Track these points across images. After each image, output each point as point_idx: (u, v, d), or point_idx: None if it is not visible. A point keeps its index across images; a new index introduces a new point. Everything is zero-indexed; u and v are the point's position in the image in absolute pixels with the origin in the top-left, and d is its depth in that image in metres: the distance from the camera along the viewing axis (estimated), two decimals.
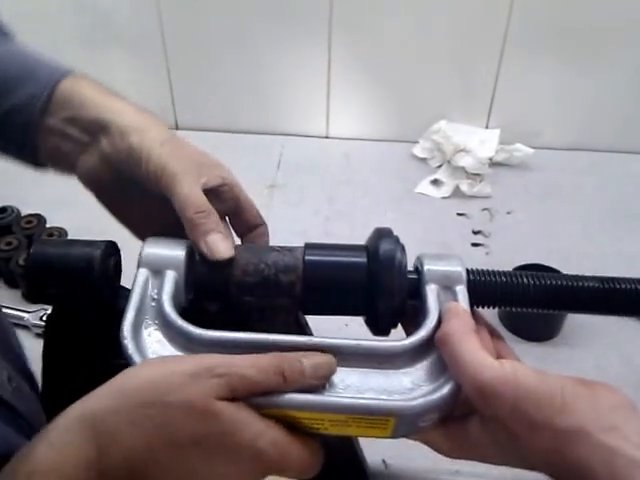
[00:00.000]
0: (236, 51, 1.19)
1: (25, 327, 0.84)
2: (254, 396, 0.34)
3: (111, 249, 0.44)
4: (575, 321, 0.87)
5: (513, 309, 0.44)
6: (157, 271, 0.41)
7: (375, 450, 0.67)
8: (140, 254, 0.42)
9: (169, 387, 0.32)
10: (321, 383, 0.36)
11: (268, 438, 0.34)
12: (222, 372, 0.33)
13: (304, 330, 0.48)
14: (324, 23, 1.13)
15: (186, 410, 0.32)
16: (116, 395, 0.33)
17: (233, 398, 0.33)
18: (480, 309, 0.43)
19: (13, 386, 0.42)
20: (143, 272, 0.41)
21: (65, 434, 0.32)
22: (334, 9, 1.11)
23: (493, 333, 0.42)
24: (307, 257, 0.42)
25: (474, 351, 0.35)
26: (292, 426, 0.36)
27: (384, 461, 0.69)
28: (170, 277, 0.41)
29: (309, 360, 0.36)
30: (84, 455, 0.31)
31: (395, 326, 0.44)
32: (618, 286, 0.42)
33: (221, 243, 0.41)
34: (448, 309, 0.39)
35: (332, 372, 0.37)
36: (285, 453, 0.34)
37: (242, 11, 1.14)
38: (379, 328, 0.43)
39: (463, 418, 0.38)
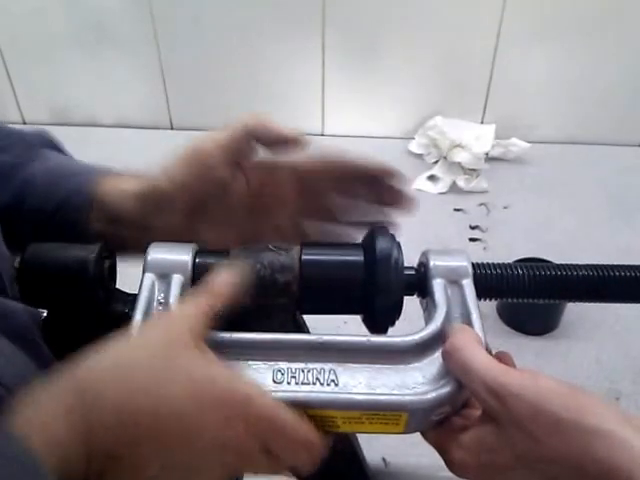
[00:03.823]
0: (230, 50, 1.18)
1: None
2: None
3: (106, 251, 0.44)
4: (573, 314, 0.87)
5: (516, 301, 0.44)
6: (163, 275, 0.41)
7: (375, 448, 0.67)
8: (145, 258, 0.42)
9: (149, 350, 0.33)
10: None
11: (264, 400, 0.34)
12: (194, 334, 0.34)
13: (302, 330, 0.48)
14: (317, 21, 1.13)
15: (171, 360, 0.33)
16: (101, 355, 0.33)
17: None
18: (482, 301, 0.43)
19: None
20: (149, 276, 0.41)
21: (46, 390, 0.32)
22: (327, 6, 1.11)
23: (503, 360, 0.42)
24: (303, 257, 0.42)
25: (486, 357, 0.35)
26: None
27: (384, 459, 0.69)
28: (177, 281, 0.41)
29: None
30: (63, 403, 0.31)
31: (393, 324, 0.44)
32: (624, 274, 0.43)
33: None
34: (454, 327, 0.39)
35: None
36: (281, 415, 0.34)
37: (235, 10, 1.14)
38: (377, 326, 0.43)
39: (477, 426, 0.36)
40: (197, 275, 0.42)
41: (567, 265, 0.44)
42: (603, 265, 0.44)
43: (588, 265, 0.44)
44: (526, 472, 0.34)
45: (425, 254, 0.44)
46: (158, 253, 0.42)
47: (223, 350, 0.37)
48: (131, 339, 0.35)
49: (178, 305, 0.38)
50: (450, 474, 0.60)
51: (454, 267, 0.42)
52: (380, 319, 0.43)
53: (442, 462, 0.57)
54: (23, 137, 0.47)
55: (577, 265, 0.44)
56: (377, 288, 0.41)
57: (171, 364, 0.33)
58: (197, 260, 0.42)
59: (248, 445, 0.33)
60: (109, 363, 0.33)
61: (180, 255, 0.42)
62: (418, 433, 0.40)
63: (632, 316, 0.88)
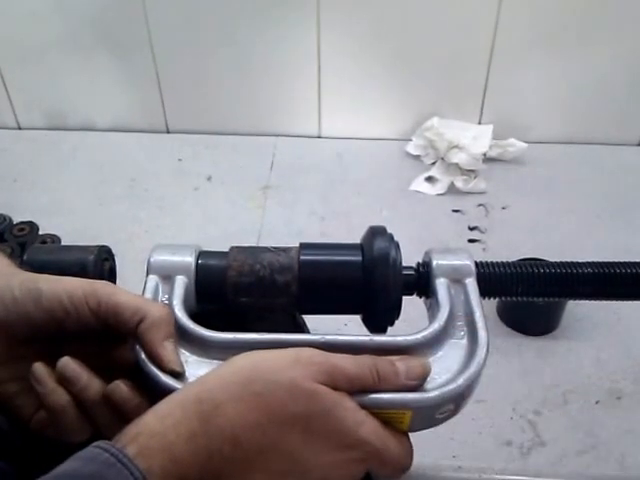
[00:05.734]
0: (225, 52, 1.18)
1: None
2: (351, 390, 0.35)
3: (105, 254, 0.44)
4: (574, 314, 0.87)
5: (520, 299, 0.44)
6: (167, 277, 0.41)
7: None
8: (149, 261, 0.42)
9: (273, 368, 0.34)
10: (416, 384, 0.36)
11: (369, 427, 0.34)
12: (320, 361, 0.34)
13: (302, 330, 0.48)
14: (312, 23, 1.13)
15: (290, 389, 0.33)
16: (222, 375, 0.34)
17: (333, 387, 0.34)
18: (483, 300, 0.43)
19: None
20: (153, 278, 0.41)
21: (169, 407, 0.33)
22: (321, 8, 1.11)
23: None
24: (302, 257, 0.42)
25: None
26: None
27: None
28: (180, 282, 0.41)
29: (402, 362, 0.36)
30: (186, 426, 0.32)
31: (392, 323, 0.44)
32: (627, 270, 0.43)
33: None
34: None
35: (427, 373, 0.37)
36: (385, 444, 0.35)
37: (229, 12, 1.14)
38: (376, 326, 0.43)
39: None
40: (200, 276, 0.42)
41: (572, 263, 0.44)
42: (608, 262, 0.44)
43: (593, 262, 0.44)
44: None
45: (428, 253, 0.44)
46: (161, 255, 0.42)
47: (224, 350, 0.37)
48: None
49: None
50: (451, 474, 0.60)
51: (457, 266, 0.42)
52: (379, 319, 0.43)
53: (444, 462, 0.56)
54: None
55: (582, 262, 0.44)
56: (375, 288, 0.41)
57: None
58: (200, 261, 0.42)
59: (351, 469, 0.35)
60: (233, 388, 0.33)
61: (183, 257, 0.42)
62: (418, 433, 0.40)
63: (633, 316, 0.88)
